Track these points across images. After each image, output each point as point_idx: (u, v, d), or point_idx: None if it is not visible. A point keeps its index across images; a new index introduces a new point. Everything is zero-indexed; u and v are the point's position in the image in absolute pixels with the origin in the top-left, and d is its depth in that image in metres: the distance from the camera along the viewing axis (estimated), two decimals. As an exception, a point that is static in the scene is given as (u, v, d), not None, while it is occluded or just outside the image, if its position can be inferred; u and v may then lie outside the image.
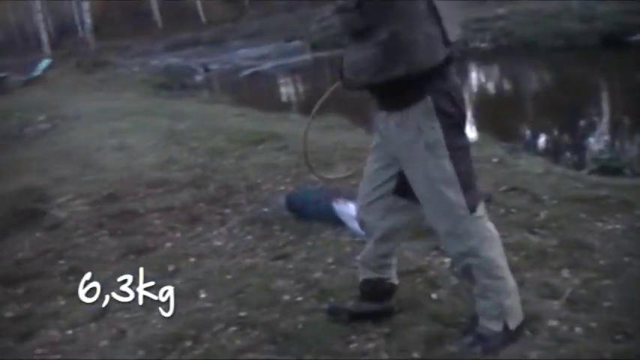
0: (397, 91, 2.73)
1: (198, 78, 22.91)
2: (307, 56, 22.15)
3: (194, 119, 10.51)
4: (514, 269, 3.54)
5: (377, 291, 3.28)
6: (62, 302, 4.47)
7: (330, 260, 4.20)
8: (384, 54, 2.64)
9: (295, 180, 5.95)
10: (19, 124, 12.21)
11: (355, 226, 3.89)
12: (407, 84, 2.68)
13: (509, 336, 2.95)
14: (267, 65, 22.02)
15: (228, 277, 4.22)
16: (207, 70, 24.22)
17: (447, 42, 2.69)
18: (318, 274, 4.03)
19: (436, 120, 2.72)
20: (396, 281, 3.32)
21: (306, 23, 25.58)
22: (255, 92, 17.28)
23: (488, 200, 4.26)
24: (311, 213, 4.90)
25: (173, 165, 7.27)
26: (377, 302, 3.30)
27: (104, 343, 3.70)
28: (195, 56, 26.65)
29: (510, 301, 2.95)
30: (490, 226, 2.92)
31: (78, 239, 5.54)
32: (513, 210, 4.60)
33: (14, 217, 6.19)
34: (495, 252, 2.91)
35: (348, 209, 4.51)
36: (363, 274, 3.29)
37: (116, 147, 8.45)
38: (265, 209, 5.37)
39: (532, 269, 3.67)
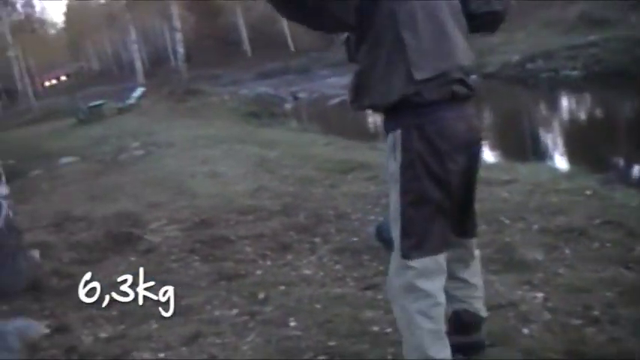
0: (384, 117, 2.75)
1: (287, 106, 23.18)
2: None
3: (284, 147, 10.64)
4: (608, 305, 3.45)
5: (463, 323, 3.16)
6: (155, 325, 4.55)
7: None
8: (355, 85, 2.76)
9: (385, 210, 5.90)
10: (115, 150, 12.61)
11: None
12: (385, 113, 2.72)
13: None
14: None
15: (318, 305, 4.23)
16: (295, 98, 24.49)
17: (411, 79, 2.58)
18: (408, 306, 4.01)
19: (399, 154, 2.64)
20: (483, 314, 3.19)
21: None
22: (343, 121, 17.35)
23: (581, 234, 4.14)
24: (401, 244, 4.88)
25: (264, 193, 7.37)
26: (465, 335, 3.19)
27: (196, 368, 3.76)
28: (283, 85, 27.04)
29: None
30: (426, 284, 2.68)
31: (171, 264, 5.65)
32: (608, 244, 4.45)
33: (110, 241, 6.38)
34: (410, 311, 2.70)
35: None
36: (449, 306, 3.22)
37: (208, 174, 8.64)
38: (355, 239, 5.37)
39: (627, 306, 3.55)
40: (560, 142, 12.41)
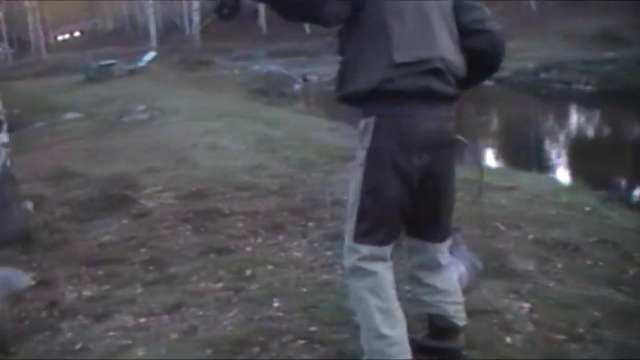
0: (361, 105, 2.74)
1: (297, 87, 23.11)
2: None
3: (288, 128, 10.61)
4: (593, 325, 3.43)
5: (435, 327, 3.13)
6: (139, 290, 4.56)
7: (408, 287, 4.15)
8: (340, 75, 2.81)
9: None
10: (119, 111, 12.59)
11: None
12: (362, 100, 2.70)
13: None
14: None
15: (304, 289, 4.21)
16: (305, 80, 24.39)
17: (392, 63, 2.60)
18: (398, 301, 3.99)
19: (368, 141, 2.67)
20: (459, 322, 3.11)
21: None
22: (349, 108, 17.32)
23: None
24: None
25: (262, 170, 7.35)
26: (439, 340, 3.11)
27: (174, 335, 3.71)
28: (295, 65, 26.94)
29: (376, 346, 2.78)
30: (371, 266, 2.76)
31: (162, 231, 5.65)
32: (601, 263, 4.43)
33: (104, 202, 6.38)
34: (358, 289, 2.79)
35: None
36: (422, 309, 3.18)
37: (209, 146, 8.61)
38: (348, 227, 5.35)
39: (613, 327, 3.52)
40: (564, 155, 12.35)
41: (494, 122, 15.91)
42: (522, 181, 7.00)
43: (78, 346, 3.76)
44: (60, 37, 66.97)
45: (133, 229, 5.82)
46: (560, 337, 3.35)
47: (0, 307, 4.29)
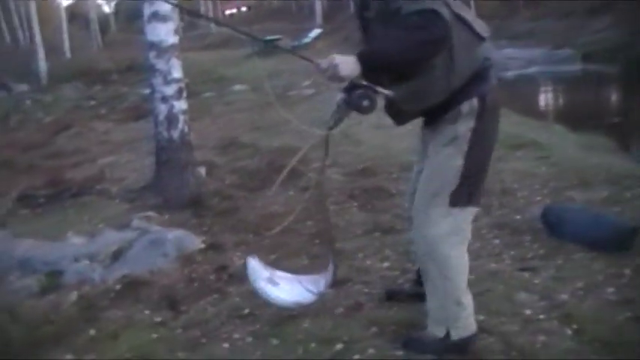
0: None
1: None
2: (576, 67, 20.89)
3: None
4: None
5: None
6: (305, 261, 4.60)
7: (579, 285, 3.91)
8: (414, 90, 2.90)
9: (553, 193, 5.66)
10: (285, 85, 12.75)
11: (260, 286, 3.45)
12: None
13: (449, 345, 3.03)
14: (531, 69, 21.25)
15: (471, 277, 4.09)
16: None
17: (481, 40, 2.86)
18: (564, 296, 3.75)
19: (473, 121, 2.87)
20: None
21: (578, 32, 24.39)
22: (516, 95, 16.78)
23: None
24: (567, 232, 4.62)
25: (427, 154, 7.21)
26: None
27: (340, 310, 3.74)
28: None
29: (458, 310, 2.98)
30: (467, 228, 3.01)
31: (329, 206, 5.67)
32: None
33: (272, 172, 6.48)
34: (450, 256, 2.95)
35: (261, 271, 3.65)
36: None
37: (374, 124, 8.54)
38: (517, 217, 5.15)
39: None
40: None
41: None
42: None
43: (245, 311, 3.86)
44: (227, 12, 68.87)
45: (300, 201, 5.87)
46: None
47: (172, 267, 4.46)
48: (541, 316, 3.54)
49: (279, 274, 3.55)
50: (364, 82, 2.78)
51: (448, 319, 3.02)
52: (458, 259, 3.00)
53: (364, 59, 2.74)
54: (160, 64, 5.35)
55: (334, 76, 2.76)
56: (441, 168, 2.96)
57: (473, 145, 2.89)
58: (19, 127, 11.00)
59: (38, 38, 16.75)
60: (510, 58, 22.38)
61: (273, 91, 11.98)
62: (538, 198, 5.56)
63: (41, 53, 16.62)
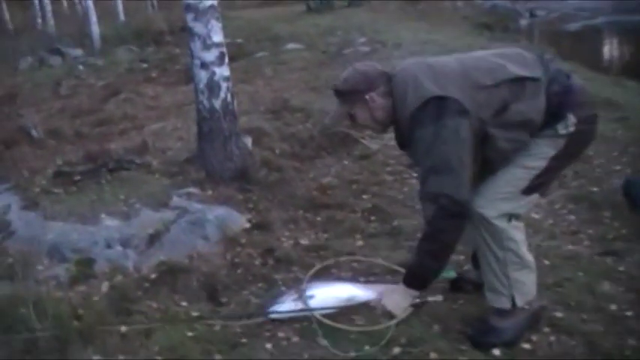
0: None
1: (523, 22, 21.84)
2: (647, 16, 19.86)
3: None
4: None
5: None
6: (360, 242, 4.18)
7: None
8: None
9: (634, 161, 5.11)
10: (340, 42, 12.27)
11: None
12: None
13: (517, 315, 2.91)
14: (599, 20, 20.22)
15: (546, 262, 3.61)
16: (532, 15, 23.07)
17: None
18: (655, 289, 3.28)
19: (572, 127, 2.86)
20: None
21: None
22: (582, 48, 15.87)
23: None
24: (653, 208, 4.10)
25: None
26: None
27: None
28: (523, -1, 25.44)
29: (519, 275, 2.88)
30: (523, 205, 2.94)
31: (385, 176, 5.26)
32: None
33: (325, 139, 6.07)
34: (513, 223, 2.87)
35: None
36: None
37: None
38: (595, 189, 4.67)
39: None
40: None
41: None
42: None
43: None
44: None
45: (355, 171, 5.45)
46: None
47: (214, 252, 4.04)
48: (628, 313, 3.09)
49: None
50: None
51: (512, 286, 2.88)
52: (516, 229, 2.89)
53: (414, 285, 3.01)
54: (198, 28, 4.89)
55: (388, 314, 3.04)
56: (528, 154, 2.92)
57: (568, 149, 2.87)
58: (71, 94, 10.73)
59: (91, 2, 16.53)
60: (576, 9, 21.45)
61: (328, 49, 11.54)
62: (617, 167, 5.05)
63: (94, 17, 16.40)
